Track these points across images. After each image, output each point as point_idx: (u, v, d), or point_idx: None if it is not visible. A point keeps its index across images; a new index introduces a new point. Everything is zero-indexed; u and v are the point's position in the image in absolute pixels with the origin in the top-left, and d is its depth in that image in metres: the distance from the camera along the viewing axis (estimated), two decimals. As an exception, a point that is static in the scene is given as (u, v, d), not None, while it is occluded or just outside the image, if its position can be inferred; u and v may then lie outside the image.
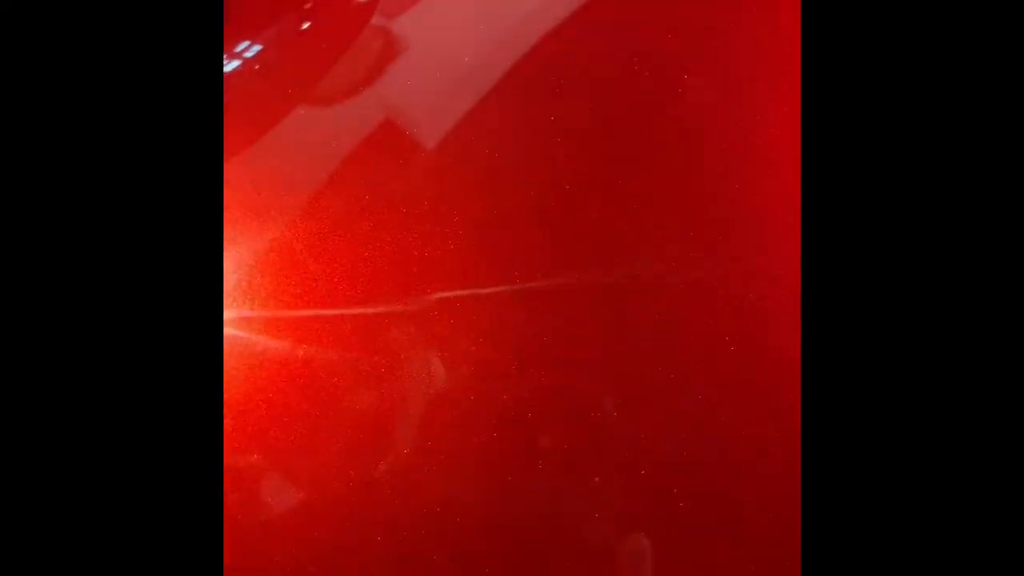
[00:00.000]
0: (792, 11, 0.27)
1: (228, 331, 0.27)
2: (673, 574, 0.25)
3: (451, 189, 0.27)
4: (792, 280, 0.25)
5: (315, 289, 0.27)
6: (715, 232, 0.26)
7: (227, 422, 0.26)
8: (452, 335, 0.26)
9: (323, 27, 0.31)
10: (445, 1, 0.30)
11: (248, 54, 0.30)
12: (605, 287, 0.26)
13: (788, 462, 0.24)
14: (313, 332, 0.27)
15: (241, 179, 0.28)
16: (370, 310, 0.26)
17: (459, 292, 0.26)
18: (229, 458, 0.26)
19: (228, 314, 0.27)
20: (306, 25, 0.31)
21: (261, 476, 0.26)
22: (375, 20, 0.30)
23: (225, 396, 0.26)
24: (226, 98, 0.29)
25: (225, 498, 0.26)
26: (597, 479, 0.25)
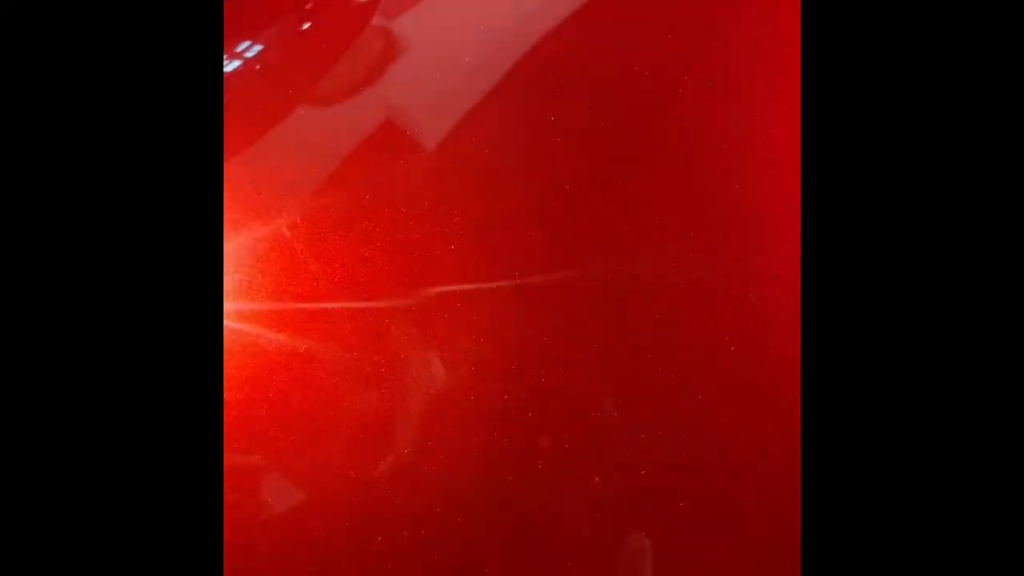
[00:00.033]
0: (792, 11, 0.27)
1: (228, 330, 0.27)
2: (673, 574, 0.25)
3: (451, 189, 0.27)
4: (792, 280, 0.25)
5: (316, 289, 0.27)
6: (715, 232, 0.26)
7: (227, 421, 0.26)
8: (452, 335, 0.26)
9: (323, 27, 0.31)
10: (445, 1, 0.30)
11: (249, 54, 0.30)
12: (605, 287, 0.26)
13: (788, 462, 0.24)
14: (313, 332, 0.27)
15: (241, 179, 0.28)
16: (371, 310, 0.26)
17: (459, 292, 0.26)
18: (229, 458, 0.26)
19: (228, 313, 0.27)
20: (307, 25, 0.31)
21: (261, 476, 0.26)
22: (375, 20, 0.30)
23: (225, 396, 0.26)
24: (226, 98, 0.29)
25: (225, 498, 0.26)
26: (597, 479, 0.25)
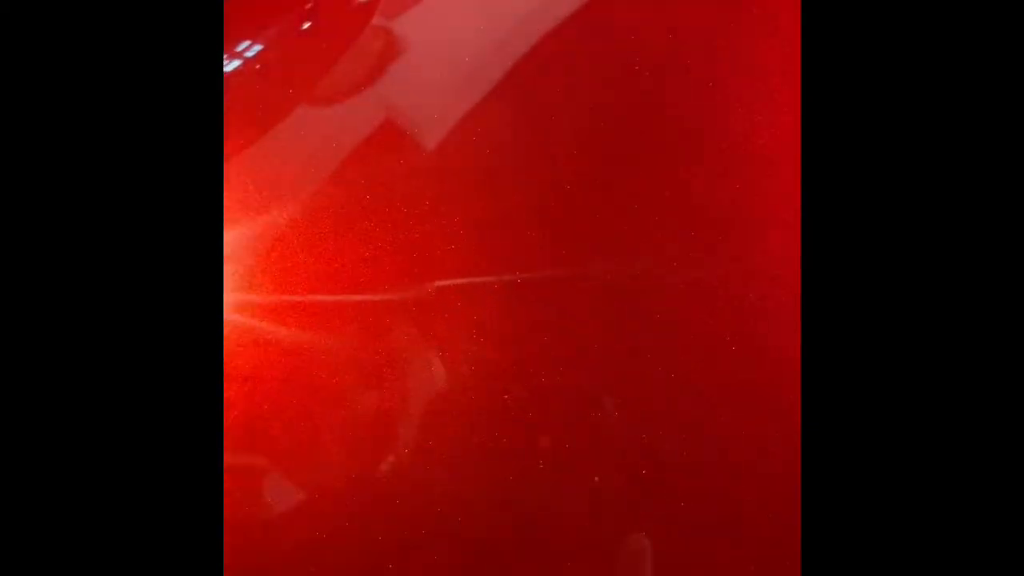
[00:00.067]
0: (792, 11, 0.27)
1: (228, 329, 0.27)
2: (673, 574, 0.25)
3: (451, 188, 0.27)
4: (792, 280, 0.25)
5: (316, 288, 0.27)
6: (715, 232, 0.26)
7: (227, 421, 0.26)
8: (452, 334, 0.26)
9: (324, 27, 0.31)
10: (445, 1, 0.30)
11: (249, 54, 0.30)
12: (605, 287, 0.26)
13: (788, 462, 0.24)
14: (314, 331, 0.27)
15: (241, 179, 0.28)
16: (371, 310, 0.26)
17: (460, 291, 0.26)
18: (229, 457, 0.26)
19: (228, 312, 0.27)
20: (307, 25, 0.31)
21: (261, 476, 0.26)
22: (376, 20, 0.30)
23: (225, 395, 0.26)
24: (226, 98, 0.29)
25: (225, 498, 0.26)
26: (597, 479, 0.25)
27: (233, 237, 0.28)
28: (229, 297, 0.27)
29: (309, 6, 0.31)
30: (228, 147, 0.28)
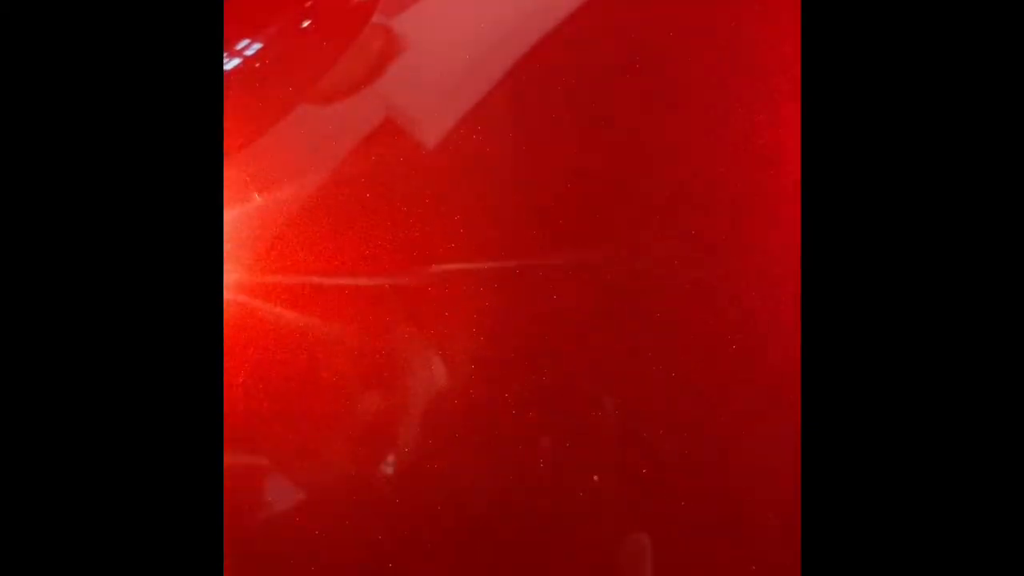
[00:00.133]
0: (792, 11, 0.27)
1: (228, 329, 0.27)
2: (673, 574, 0.25)
3: (452, 188, 0.27)
4: (792, 280, 0.25)
5: (315, 287, 0.27)
6: (715, 232, 0.26)
7: (227, 420, 0.26)
8: (453, 334, 0.26)
9: (324, 25, 0.31)
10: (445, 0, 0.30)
11: (248, 52, 0.30)
12: (605, 287, 0.26)
13: (788, 462, 0.24)
14: (314, 331, 0.27)
15: (241, 177, 0.28)
16: (371, 309, 0.26)
17: (460, 291, 0.26)
18: (230, 457, 0.26)
19: (228, 311, 0.27)
20: (307, 23, 0.31)
21: (262, 475, 0.26)
22: (376, 18, 0.30)
23: (225, 395, 0.26)
24: (226, 96, 0.29)
25: (225, 498, 0.26)
26: (597, 479, 0.25)
27: (233, 236, 0.27)
28: (229, 296, 0.27)
29: (309, 4, 0.31)
30: (228, 145, 0.28)
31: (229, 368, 0.26)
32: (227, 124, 0.28)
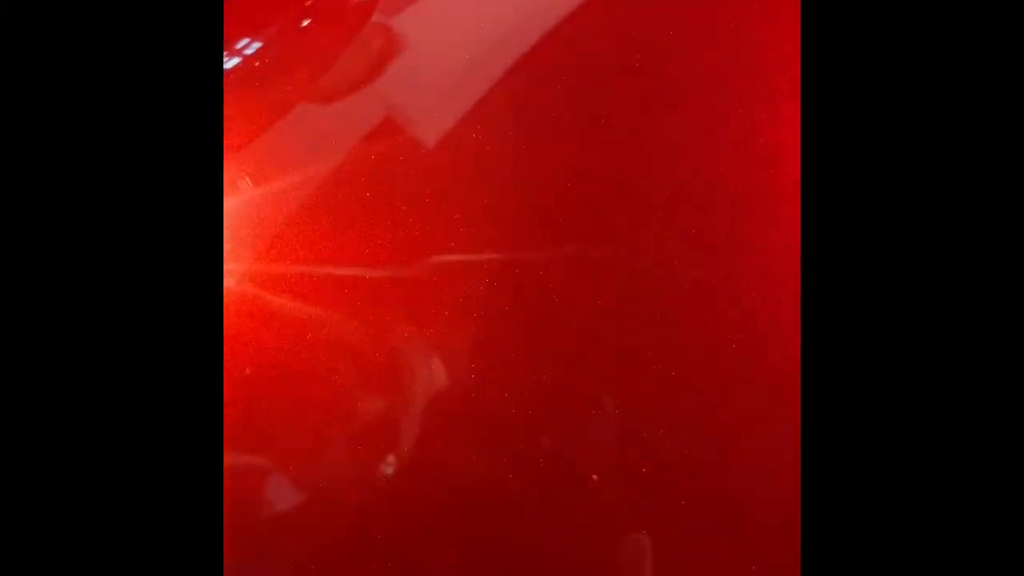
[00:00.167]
0: (792, 11, 0.27)
1: (227, 328, 0.27)
2: (673, 574, 0.25)
3: (452, 187, 0.27)
4: (792, 280, 0.25)
5: (315, 287, 0.27)
6: (715, 232, 0.26)
7: (227, 420, 0.26)
8: (453, 333, 0.26)
9: (323, 24, 0.31)
10: (445, -1, 0.30)
11: (248, 51, 0.30)
12: (605, 286, 0.26)
13: (788, 462, 0.24)
14: (314, 331, 0.26)
15: (241, 177, 0.28)
16: (371, 309, 0.26)
17: (460, 291, 0.26)
18: (230, 457, 0.26)
19: (228, 310, 0.27)
20: (306, 22, 0.31)
21: (262, 475, 0.26)
22: (375, 18, 0.30)
23: (225, 395, 0.26)
24: (226, 95, 0.29)
25: (225, 498, 0.26)
26: (597, 478, 0.25)
27: (233, 236, 0.27)
28: (229, 296, 0.27)
29: (309, 3, 0.31)
30: (228, 144, 0.28)
31: (229, 367, 0.26)
32: (227, 123, 0.28)
